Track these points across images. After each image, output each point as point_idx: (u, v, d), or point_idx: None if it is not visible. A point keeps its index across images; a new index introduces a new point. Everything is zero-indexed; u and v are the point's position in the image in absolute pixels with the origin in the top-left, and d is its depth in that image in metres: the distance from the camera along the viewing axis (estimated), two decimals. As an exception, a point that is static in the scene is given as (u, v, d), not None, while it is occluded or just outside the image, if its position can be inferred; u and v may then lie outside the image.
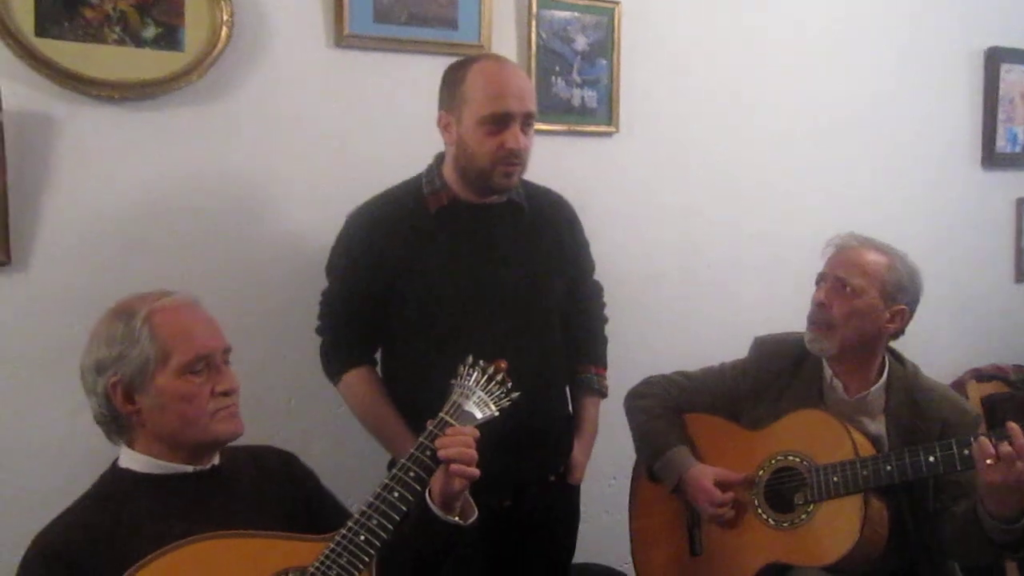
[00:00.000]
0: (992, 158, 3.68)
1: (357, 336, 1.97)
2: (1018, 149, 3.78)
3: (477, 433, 1.50)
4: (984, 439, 1.67)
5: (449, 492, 1.48)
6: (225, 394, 1.48)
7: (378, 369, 2.02)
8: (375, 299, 1.92)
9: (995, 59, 3.62)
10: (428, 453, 1.46)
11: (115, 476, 1.47)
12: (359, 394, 1.96)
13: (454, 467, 1.45)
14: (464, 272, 1.90)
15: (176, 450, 1.47)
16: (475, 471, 1.46)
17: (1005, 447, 1.64)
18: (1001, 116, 3.67)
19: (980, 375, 3.48)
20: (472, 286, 1.90)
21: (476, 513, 1.54)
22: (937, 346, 3.44)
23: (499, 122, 1.81)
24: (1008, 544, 1.72)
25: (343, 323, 1.96)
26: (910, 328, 2.03)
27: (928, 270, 3.32)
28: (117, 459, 1.49)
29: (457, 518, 1.50)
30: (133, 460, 1.46)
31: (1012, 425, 1.66)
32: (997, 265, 3.83)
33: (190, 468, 1.47)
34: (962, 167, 3.65)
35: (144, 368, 1.42)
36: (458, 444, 1.47)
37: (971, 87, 3.63)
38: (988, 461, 1.65)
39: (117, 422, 1.46)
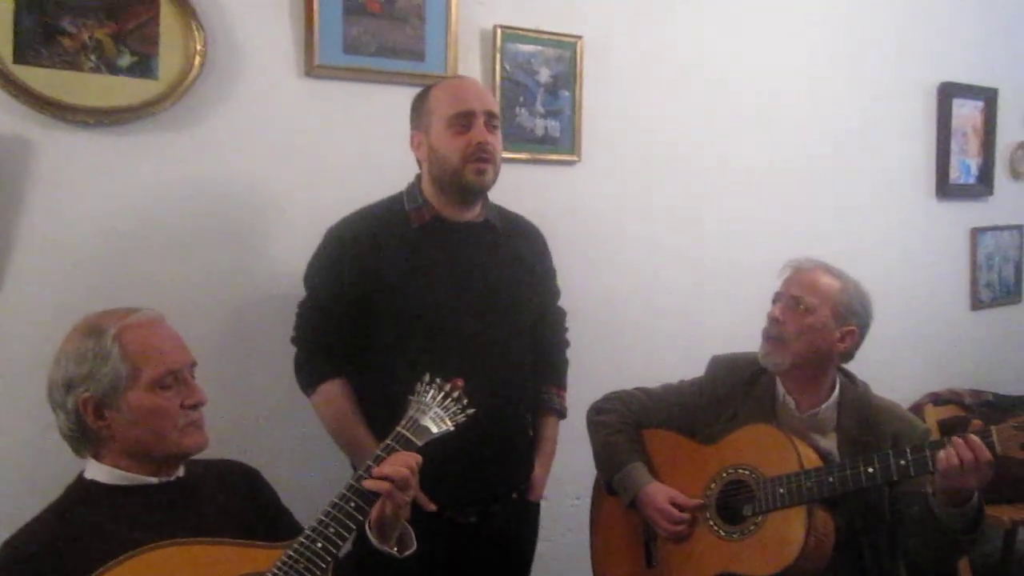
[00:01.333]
0: (946, 189, 3.81)
1: (334, 348, 1.97)
2: (971, 180, 3.92)
3: (419, 459, 1.53)
4: (951, 451, 1.72)
5: (383, 516, 1.50)
6: (193, 407, 1.53)
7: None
8: (355, 312, 1.94)
9: (948, 94, 3.77)
10: None
11: (80, 487, 1.50)
12: (332, 406, 1.97)
13: (377, 484, 1.46)
14: (444, 288, 1.94)
15: (143, 462, 1.50)
16: (400, 496, 1.48)
17: (967, 455, 1.70)
18: (954, 148, 3.82)
19: (937, 399, 3.59)
20: (451, 302, 1.94)
21: (414, 547, 1.56)
22: (896, 371, 3.53)
23: (463, 120, 1.91)
24: (962, 528, 1.78)
25: (321, 335, 1.97)
26: (870, 353, 2.10)
27: (886, 298, 3.44)
28: (82, 471, 1.52)
29: (395, 549, 1.52)
30: (99, 472, 1.50)
31: (973, 437, 1.73)
32: (953, 293, 3.96)
33: (155, 480, 1.51)
34: (917, 198, 3.78)
35: (116, 384, 1.46)
36: (394, 463, 1.49)
37: (925, 121, 3.77)
38: (953, 473, 1.71)
39: (85, 436, 1.49)
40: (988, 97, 3.92)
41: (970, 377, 3.82)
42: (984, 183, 3.97)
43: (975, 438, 1.72)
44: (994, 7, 3.95)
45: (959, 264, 3.96)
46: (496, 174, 1.97)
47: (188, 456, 1.55)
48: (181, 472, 1.56)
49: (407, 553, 1.54)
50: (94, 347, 1.47)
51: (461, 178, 1.92)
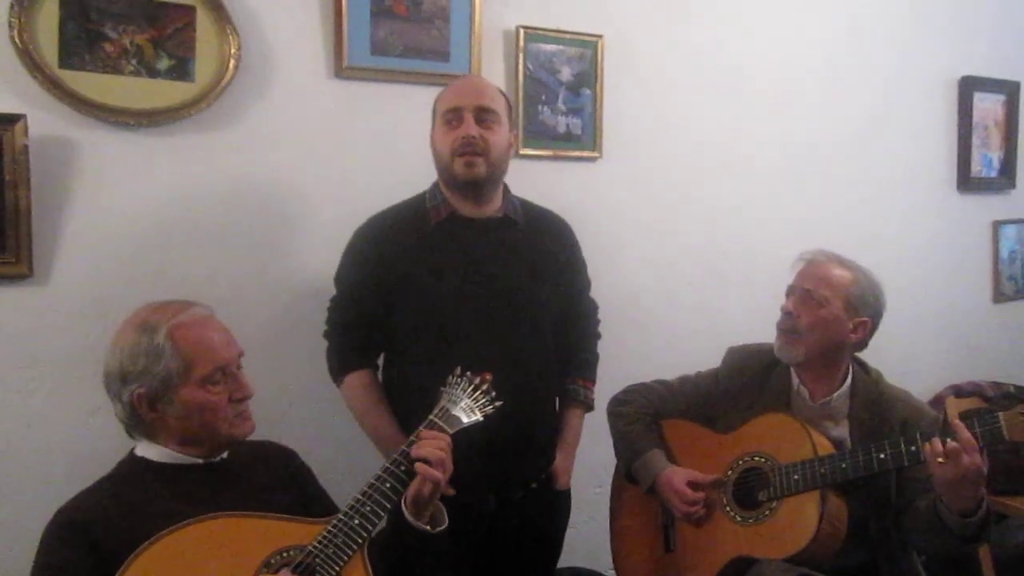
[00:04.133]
0: (968, 182, 3.82)
1: (360, 341, 2.07)
2: (993, 174, 3.92)
3: (450, 441, 1.62)
4: (935, 439, 1.78)
5: (420, 496, 1.58)
6: (240, 401, 1.62)
7: (379, 375, 2.12)
8: (378, 306, 2.03)
9: (969, 87, 3.77)
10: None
11: (132, 463, 1.60)
12: (359, 396, 2.06)
13: (420, 466, 1.56)
14: (459, 281, 2.01)
15: (194, 446, 1.59)
16: (437, 474, 1.56)
17: (951, 444, 1.75)
18: (976, 142, 3.82)
19: (959, 391, 3.58)
20: (467, 295, 2.00)
21: (446, 523, 1.64)
22: (918, 363, 3.56)
23: (452, 117, 1.98)
24: (968, 536, 1.82)
25: (348, 328, 2.06)
26: (892, 345, 2.14)
27: (908, 291, 3.47)
28: (134, 448, 1.62)
29: (428, 526, 1.60)
30: (149, 450, 1.59)
31: (957, 423, 1.78)
32: (975, 286, 3.96)
33: (201, 460, 1.60)
34: (939, 191, 3.79)
35: (168, 382, 1.54)
36: (430, 446, 1.59)
37: (947, 114, 3.78)
38: (939, 459, 1.76)
39: (140, 425, 1.58)
40: (1010, 91, 3.92)
41: (992, 370, 3.82)
42: (1006, 176, 3.97)
43: (955, 442, 1.75)
44: (1016, 0, 3.94)
45: (981, 257, 3.97)
46: (491, 166, 2.00)
47: (236, 443, 1.64)
48: (225, 454, 1.65)
49: (439, 529, 1.61)
50: (147, 344, 1.54)
51: (451, 171, 1.99)
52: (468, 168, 1.97)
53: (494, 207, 2.08)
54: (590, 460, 2.54)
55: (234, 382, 1.61)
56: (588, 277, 2.31)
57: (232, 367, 1.61)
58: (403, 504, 1.58)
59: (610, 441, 2.32)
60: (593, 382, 2.27)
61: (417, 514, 1.59)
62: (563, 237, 2.22)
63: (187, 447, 1.59)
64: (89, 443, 2.05)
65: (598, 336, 2.33)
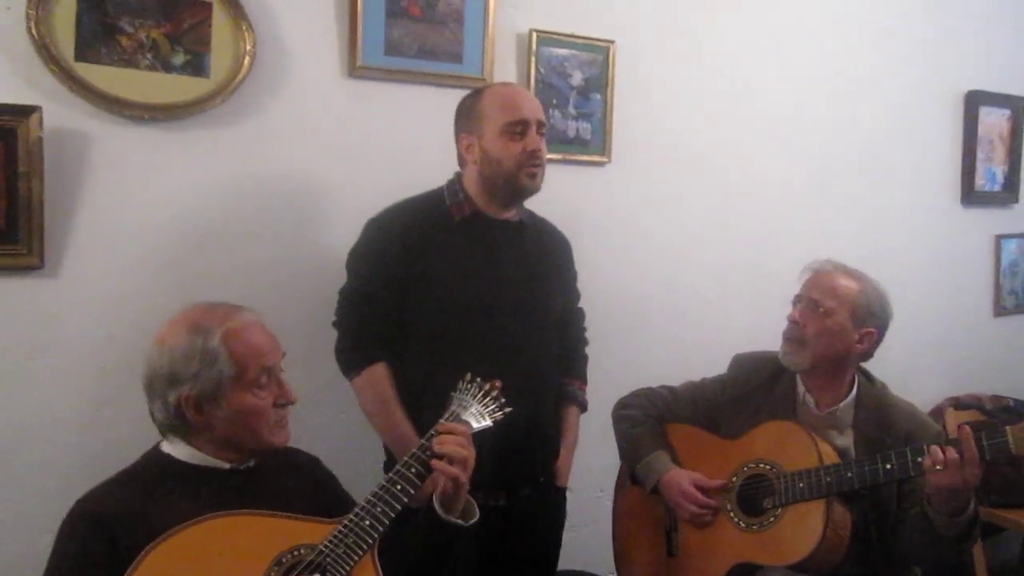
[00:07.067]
0: (972, 196, 3.83)
1: (376, 334, 2.04)
2: (997, 188, 3.93)
3: (469, 434, 1.64)
4: (936, 447, 1.80)
5: (444, 493, 1.60)
6: (283, 406, 1.61)
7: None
8: (395, 299, 2.03)
9: (974, 102, 3.79)
10: (428, 453, 1.62)
11: (158, 459, 1.58)
12: (374, 389, 2.03)
13: (436, 463, 1.58)
14: (482, 280, 2.03)
15: (228, 450, 1.58)
16: (454, 471, 1.58)
17: (952, 453, 1.77)
18: (980, 156, 3.84)
19: (958, 403, 3.59)
20: (488, 295, 2.04)
21: (477, 515, 1.66)
22: (918, 375, 3.57)
23: (518, 128, 2.01)
24: (956, 536, 1.84)
25: (363, 321, 2.04)
26: (892, 356, 2.15)
27: (910, 303, 3.48)
28: (160, 442, 1.60)
29: (459, 519, 1.62)
30: (176, 448, 1.57)
31: (965, 433, 1.79)
32: (976, 299, 3.98)
33: (227, 466, 1.59)
34: (942, 204, 3.81)
35: (219, 385, 1.53)
36: (451, 443, 1.61)
37: (952, 128, 3.79)
38: (937, 467, 1.78)
39: (181, 426, 1.56)
40: (1016, 106, 3.94)
41: (992, 383, 3.82)
42: (1009, 190, 3.99)
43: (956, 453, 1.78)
44: (1023, 17, 3.97)
45: (983, 270, 3.98)
46: (543, 178, 2.07)
47: (272, 451, 1.63)
48: (252, 462, 1.63)
49: (471, 522, 1.64)
50: (202, 347, 1.53)
51: (516, 181, 2.03)
52: (532, 180, 2.04)
53: (512, 211, 2.12)
54: (592, 464, 2.55)
55: (278, 387, 1.60)
56: (578, 290, 2.36)
57: (276, 369, 1.61)
58: (434, 499, 1.60)
59: (613, 445, 2.33)
60: (585, 382, 2.33)
61: (446, 509, 1.61)
62: (563, 247, 2.29)
63: (222, 451, 1.58)
64: (98, 436, 2.05)
65: (586, 342, 2.38)
